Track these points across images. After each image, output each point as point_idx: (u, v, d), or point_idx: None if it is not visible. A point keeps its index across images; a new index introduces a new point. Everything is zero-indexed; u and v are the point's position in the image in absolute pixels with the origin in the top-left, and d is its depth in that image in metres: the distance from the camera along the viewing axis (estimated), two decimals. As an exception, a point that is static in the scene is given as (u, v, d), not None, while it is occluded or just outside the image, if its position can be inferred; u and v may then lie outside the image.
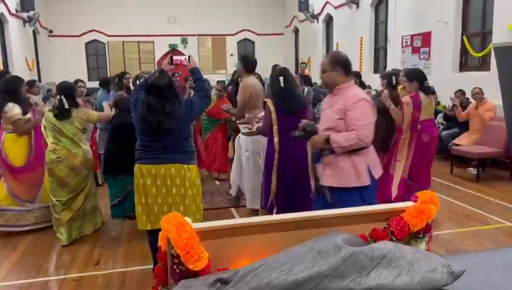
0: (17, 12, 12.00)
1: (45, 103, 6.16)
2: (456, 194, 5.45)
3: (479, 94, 6.59)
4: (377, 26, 11.45)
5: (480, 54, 7.64)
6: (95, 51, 16.76)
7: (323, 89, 8.69)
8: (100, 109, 5.80)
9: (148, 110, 2.93)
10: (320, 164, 2.95)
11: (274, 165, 3.93)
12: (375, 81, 9.78)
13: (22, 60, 12.32)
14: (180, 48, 16.78)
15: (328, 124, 2.88)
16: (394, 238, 1.88)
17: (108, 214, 4.69)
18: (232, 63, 15.13)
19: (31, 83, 6.70)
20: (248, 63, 4.77)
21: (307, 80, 8.02)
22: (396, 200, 4.17)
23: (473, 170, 6.48)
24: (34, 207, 4.43)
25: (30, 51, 13.30)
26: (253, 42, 17.83)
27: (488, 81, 6.55)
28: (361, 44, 11.70)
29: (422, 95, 4.34)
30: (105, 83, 6.79)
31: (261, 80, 7.91)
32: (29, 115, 4.43)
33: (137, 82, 6.54)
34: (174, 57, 3.30)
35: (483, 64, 7.67)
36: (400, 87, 5.68)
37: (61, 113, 4.02)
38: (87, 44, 16.52)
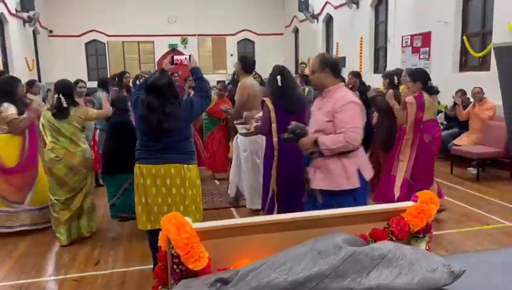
0: (17, 13, 12.00)
1: (45, 103, 6.16)
2: (456, 194, 5.45)
3: (479, 94, 6.59)
4: (377, 26, 11.45)
5: (480, 54, 7.65)
6: (95, 51, 16.76)
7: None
8: (100, 108, 5.79)
9: (148, 110, 2.93)
10: (310, 167, 2.94)
11: (273, 163, 3.92)
12: (375, 81, 9.78)
13: (22, 60, 12.32)
14: (180, 48, 16.79)
15: (317, 126, 2.87)
16: (394, 238, 1.88)
17: (108, 214, 4.69)
18: (232, 63, 15.12)
19: (31, 83, 6.70)
20: (246, 64, 4.78)
21: (307, 80, 8.00)
22: (399, 200, 4.16)
23: (473, 170, 6.48)
24: (22, 209, 4.39)
25: (30, 51, 13.30)
26: (253, 42, 17.83)
27: (488, 81, 6.55)
28: (361, 44, 11.70)
29: (425, 96, 4.33)
30: (103, 84, 6.79)
31: (261, 80, 7.90)
32: (25, 115, 4.40)
33: (137, 82, 6.55)
34: (175, 57, 3.30)
35: (483, 64, 7.67)
36: (401, 87, 5.68)
37: (60, 112, 3.96)
38: (87, 44, 16.53)
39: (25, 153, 4.44)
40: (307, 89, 7.83)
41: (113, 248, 4.07)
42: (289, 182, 3.87)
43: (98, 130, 6.19)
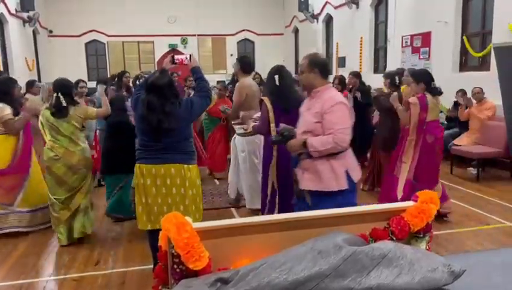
0: (17, 13, 12.00)
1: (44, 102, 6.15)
2: (456, 194, 5.44)
3: (479, 94, 6.59)
4: (377, 26, 11.45)
5: (480, 54, 7.65)
6: (95, 51, 16.76)
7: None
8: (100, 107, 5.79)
9: (149, 110, 2.93)
10: (298, 168, 2.93)
11: (273, 161, 3.92)
12: (375, 81, 9.78)
13: (22, 60, 12.32)
14: (180, 48, 16.78)
15: (306, 127, 2.86)
16: (394, 238, 1.88)
17: (108, 214, 4.71)
18: (232, 63, 15.13)
19: (31, 83, 6.70)
20: (245, 64, 4.78)
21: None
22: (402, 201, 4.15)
23: (473, 170, 6.49)
24: (11, 211, 4.36)
25: (30, 51, 13.30)
26: (253, 42, 17.83)
27: (488, 81, 6.55)
28: (361, 44, 11.70)
29: (429, 96, 4.32)
30: (103, 83, 6.77)
31: (261, 79, 7.91)
32: (20, 116, 4.38)
33: (137, 82, 6.55)
34: (176, 56, 3.30)
35: (483, 64, 7.67)
36: (402, 87, 5.69)
37: (59, 111, 3.91)
38: (87, 44, 16.52)
39: (18, 154, 4.41)
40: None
41: (113, 248, 4.07)
42: (288, 181, 3.87)
43: (97, 130, 6.19)
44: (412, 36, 9.43)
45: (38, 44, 14.42)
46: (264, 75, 8.18)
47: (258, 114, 4.68)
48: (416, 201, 1.98)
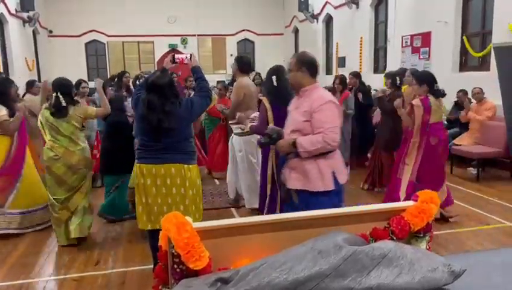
0: (17, 13, 12.00)
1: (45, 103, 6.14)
2: (456, 194, 5.43)
3: (479, 94, 6.59)
4: (376, 26, 11.45)
5: (480, 54, 7.65)
6: (94, 51, 16.76)
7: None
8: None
9: (149, 109, 2.93)
10: (285, 167, 2.92)
11: (272, 160, 3.92)
12: (375, 81, 9.79)
13: (22, 60, 12.32)
14: (180, 48, 16.79)
15: (294, 126, 2.84)
16: (395, 238, 1.88)
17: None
18: (231, 63, 15.17)
19: (31, 83, 6.69)
20: (243, 64, 4.79)
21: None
22: None
23: (473, 170, 6.49)
24: (2, 212, 4.32)
25: (30, 51, 13.30)
26: (253, 42, 17.83)
27: (488, 81, 6.55)
28: (361, 44, 11.70)
29: (431, 98, 4.30)
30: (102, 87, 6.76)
31: (261, 79, 7.91)
32: (15, 117, 4.35)
33: (137, 82, 6.55)
34: (176, 55, 3.30)
35: (483, 64, 7.67)
36: (403, 87, 5.69)
37: (59, 111, 3.87)
38: (87, 44, 16.53)
39: (11, 156, 4.39)
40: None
41: (113, 248, 4.07)
42: None
43: (98, 131, 6.19)
44: (412, 36, 9.43)
45: (38, 44, 14.42)
46: (264, 75, 8.20)
47: (255, 114, 4.69)
48: (416, 201, 1.98)
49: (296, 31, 17.06)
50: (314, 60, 2.91)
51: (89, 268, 3.66)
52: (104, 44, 16.61)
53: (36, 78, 12.53)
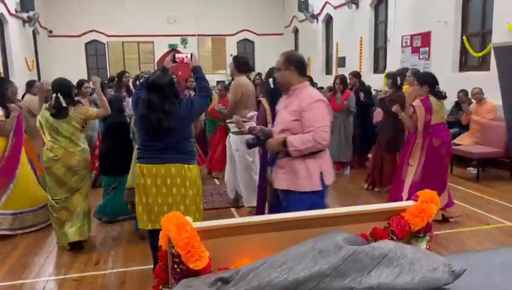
0: (16, 13, 12.00)
1: (45, 103, 6.14)
2: (456, 194, 5.44)
3: (478, 94, 6.59)
4: (376, 26, 11.45)
5: (480, 54, 7.65)
6: (94, 51, 16.77)
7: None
8: None
9: (148, 109, 2.93)
10: (274, 167, 2.90)
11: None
12: (374, 81, 9.80)
13: (22, 60, 12.32)
14: (180, 48, 16.79)
15: (284, 125, 2.82)
16: (395, 238, 1.88)
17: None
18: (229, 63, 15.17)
19: (31, 84, 6.69)
20: (240, 63, 4.81)
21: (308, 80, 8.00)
22: None
23: (473, 170, 6.49)
24: None
25: (30, 51, 13.30)
26: (252, 42, 17.83)
27: (488, 81, 6.55)
28: (361, 44, 11.70)
29: (433, 99, 4.30)
30: (101, 85, 6.75)
31: (261, 80, 7.93)
32: (10, 117, 4.33)
33: (137, 82, 6.55)
34: (177, 55, 3.30)
35: (483, 64, 7.67)
36: (404, 87, 5.70)
37: (59, 112, 3.82)
38: (87, 44, 16.53)
39: (5, 156, 4.37)
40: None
41: (113, 248, 4.06)
42: None
43: (100, 131, 6.19)
44: (411, 36, 9.43)
45: (38, 44, 14.42)
46: (264, 76, 8.22)
47: (252, 113, 4.70)
48: (416, 201, 1.98)
49: (296, 31, 17.06)
50: (302, 58, 2.90)
51: (89, 268, 3.66)
52: (104, 44, 16.62)
53: (36, 78, 12.54)
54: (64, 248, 4.04)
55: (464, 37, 8.02)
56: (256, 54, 17.47)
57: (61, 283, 3.44)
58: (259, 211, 4.16)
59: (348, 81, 6.82)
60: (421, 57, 9.17)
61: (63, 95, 3.83)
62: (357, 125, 6.77)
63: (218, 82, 10.52)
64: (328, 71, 14.27)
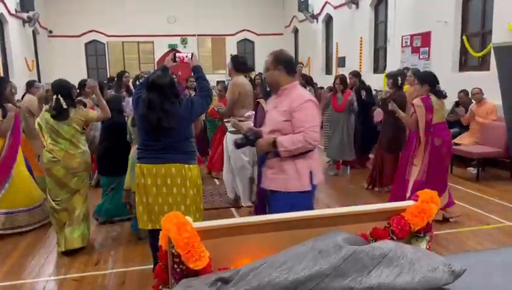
0: (16, 13, 12.00)
1: (45, 104, 6.14)
2: (456, 194, 5.43)
3: (478, 94, 6.59)
4: (376, 26, 11.46)
5: (480, 54, 7.65)
6: (94, 51, 16.78)
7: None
8: None
9: (148, 108, 2.93)
10: (264, 167, 2.89)
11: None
12: (374, 81, 9.80)
13: (22, 60, 12.32)
14: (180, 48, 16.80)
15: (273, 126, 2.80)
16: (395, 238, 1.88)
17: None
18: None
19: (31, 83, 6.69)
20: (238, 63, 4.82)
21: (308, 80, 8.00)
22: None
23: (473, 170, 6.49)
24: None
25: (30, 52, 13.30)
26: (252, 42, 17.83)
27: (488, 81, 6.55)
28: (361, 44, 11.70)
29: (433, 98, 4.30)
30: (100, 87, 6.75)
31: (261, 80, 7.94)
32: (7, 117, 4.33)
33: (137, 82, 6.55)
34: (177, 54, 3.30)
35: (483, 64, 7.67)
36: (405, 87, 5.70)
37: (60, 114, 3.77)
38: (86, 44, 16.54)
39: (2, 156, 4.36)
40: (307, 89, 7.83)
41: (113, 248, 4.07)
42: None
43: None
44: (411, 36, 9.43)
45: (38, 44, 14.43)
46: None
47: (249, 113, 4.70)
48: (416, 200, 1.98)
49: (295, 31, 17.07)
50: (291, 58, 2.88)
51: (89, 268, 3.66)
52: (104, 44, 16.62)
53: (36, 78, 12.54)
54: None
55: (464, 37, 8.02)
56: (256, 54, 17.47)
57: (61, 283, 3.44)
58: (258, 211, 4.16)
59: (348, 81, 6.82)
60: (421, 57, 9.17)
61: (63, 96, 3.78)
62: (358, 124, 6.78)
63: (218, 82, 10.51)
64: (328, 71, 14.27)
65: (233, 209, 5.13)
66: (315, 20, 14.62)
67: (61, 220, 3.96)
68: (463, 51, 8.18)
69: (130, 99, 4.94)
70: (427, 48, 8.98)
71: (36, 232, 4.46)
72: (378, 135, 6.00)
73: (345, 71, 9.38)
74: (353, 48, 11.98)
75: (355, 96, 6.57)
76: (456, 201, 5.13)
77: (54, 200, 3.93)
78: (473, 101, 6.83)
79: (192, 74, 3.38)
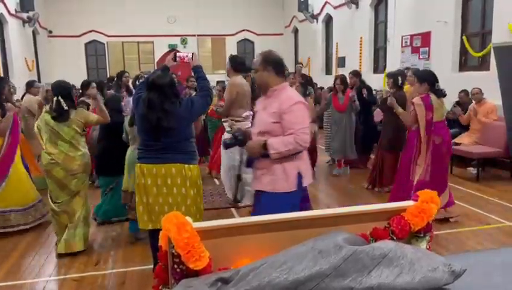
0: (16, 13, 12.01)
1: (45, 104, 6.13)
2: (456, 194, 5.43)
3: (478, 94, 6.58)
4: (376, 26, 11.46)
5: (479, 54, 7.65)
6: (94, 52, 16.78)
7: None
8: None
9: (148, 108, 2.93)
10: (253, 168, 2.88)
11: None
12: (374, 81, 9.80)
13: (22, 60, 12.32)
14: (180, 48, 16.79)
15: (263, 127, 2.77)
16: (395, 238, 1.88)
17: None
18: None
19: (31, 84, 6.70)
20: (236, 63, 4.83)
21: (307, 80, 7.99)
22: None
23: (473, 170, 6.49)
24: None
25: (30, 52, 13.30)
26: (252, 42, 17.84)
27: (488, 81, 6.55)
28: (361, 44, 11.71)
29: (433, 96, 4.29)
30: (100, 86, 6.75)
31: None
32: (6, 116, 4.32)
33: (137, 82, 6.55)
34: (178, 54, 3.30)
35: (482, 64, 7.67)
36: (405, 86, 5.69)
37: (60, 115, 3.74)
38: (86, 44, 16.54)
39: (0, 155, 4.35)
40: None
41: (113, 248, 4.06)
42: None
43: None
44: (411, 36, 9.43)
45: (38, 44, 14.43)
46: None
47: (247, 113, 4.70)
48: (416, 200, 1.98)
49: (295, 31, 17.07)
50: (280, 59, 2.85)
51: (89, 268, 3.66)
52: (104, 44, 16.63)
53: (36, 78, 12.54)
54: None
55: (464, 37, 8.02)
56: (256, 54, 17.44)
57: (61, 283, 3.44)
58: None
59: (348, 80, 6.82)
60: (421, 57, 9.17)
61: (64, 97, 3.76)
62: (359, 124, 6.78)
63: (218, 82, 10.52)
64: (328, 71, 14.27)
65: (233, 210, 5.13)
66: (315, 20, 14.62)
67: (62, 222, 3.94)
68: (463, 51, 8.18)
69: (130, 99, 4.94)
70: (427, 48, 8.98)
71: (36, 232, 4.46)
72: (379, 135, 5.99)
73: (345, 71, 9.38)
74: (353, 48, 11.98)
75: (356, 94, 6.57)
76: (456, 201, 5.13)
77: (54, 202, 3.90)
78: (472, 101, 6.83)
79: (193, 73, 3.38)
